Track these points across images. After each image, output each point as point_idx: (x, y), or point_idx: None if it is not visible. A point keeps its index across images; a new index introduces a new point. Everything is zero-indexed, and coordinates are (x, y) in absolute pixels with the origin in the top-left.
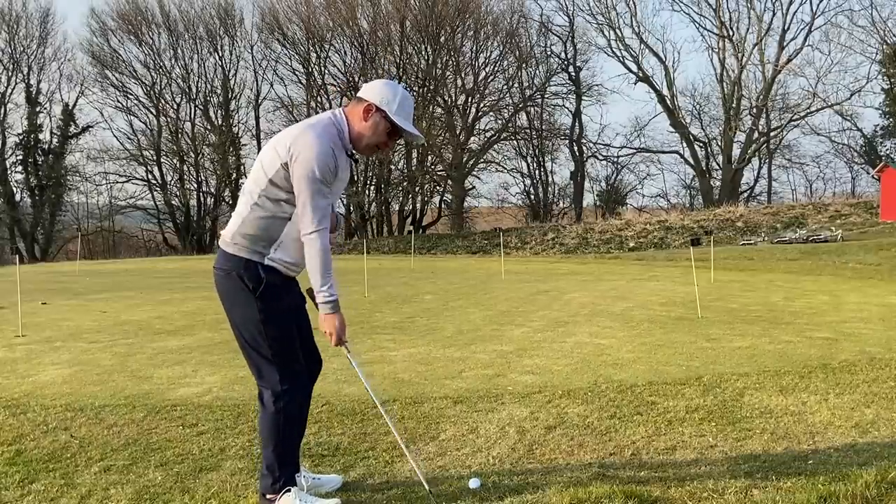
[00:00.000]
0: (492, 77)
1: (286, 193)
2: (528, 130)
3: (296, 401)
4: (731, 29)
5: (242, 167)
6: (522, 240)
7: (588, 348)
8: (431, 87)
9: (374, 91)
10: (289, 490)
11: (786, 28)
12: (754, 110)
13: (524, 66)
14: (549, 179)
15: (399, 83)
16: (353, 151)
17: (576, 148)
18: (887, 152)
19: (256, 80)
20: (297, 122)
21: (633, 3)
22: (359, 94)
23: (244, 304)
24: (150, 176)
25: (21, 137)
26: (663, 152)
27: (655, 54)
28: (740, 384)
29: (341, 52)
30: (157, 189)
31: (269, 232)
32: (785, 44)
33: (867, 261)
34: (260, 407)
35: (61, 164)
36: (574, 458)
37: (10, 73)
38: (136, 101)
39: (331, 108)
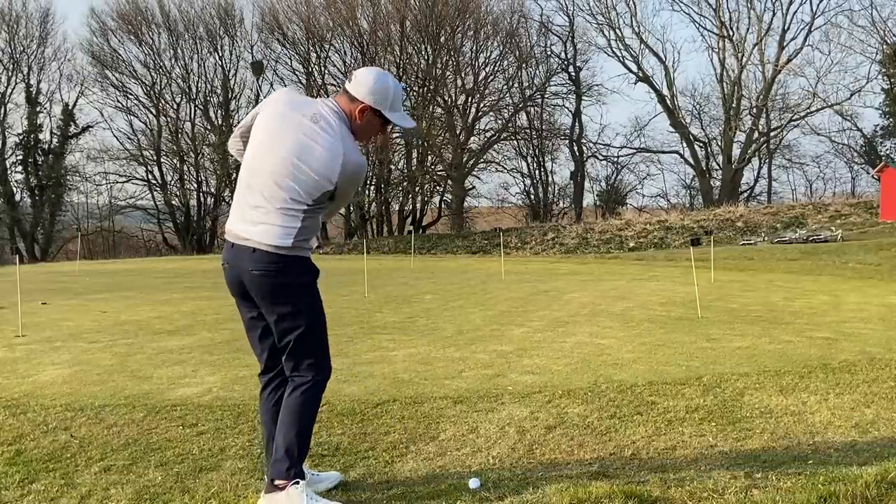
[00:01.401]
0: (492, 77)
1: (327, 200)
2: (528, 130)
3: (323, 392)
4: (731, 29)
5: None
6: (522, 240)
7: (588, 348)
8: (431, 87)
9: (366, 91)
10: (297, 482)
11: (786, 28)
12: (754, 110)
13: (524, 66)
14: (549, 179)
15: (390, 75)
16: None
17: (576, 148)
18: (887, 152)
19: (256, 80)
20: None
21: (633, 3)
22: (350, 91)
23: (301, 297)
24: (150, 176)
25: (21, 137)
26: (663, 152)
27: (655, 54)
28: (740, 384)
29: (341, 52)
30: (157, 189)
31: (315, 228)
32: (785, 44)
33: (867, 261)
34: (290, 394)
35: (61, 164)
36: (574, 458)
37: (10, 73)
38: (136, 101)
39: None
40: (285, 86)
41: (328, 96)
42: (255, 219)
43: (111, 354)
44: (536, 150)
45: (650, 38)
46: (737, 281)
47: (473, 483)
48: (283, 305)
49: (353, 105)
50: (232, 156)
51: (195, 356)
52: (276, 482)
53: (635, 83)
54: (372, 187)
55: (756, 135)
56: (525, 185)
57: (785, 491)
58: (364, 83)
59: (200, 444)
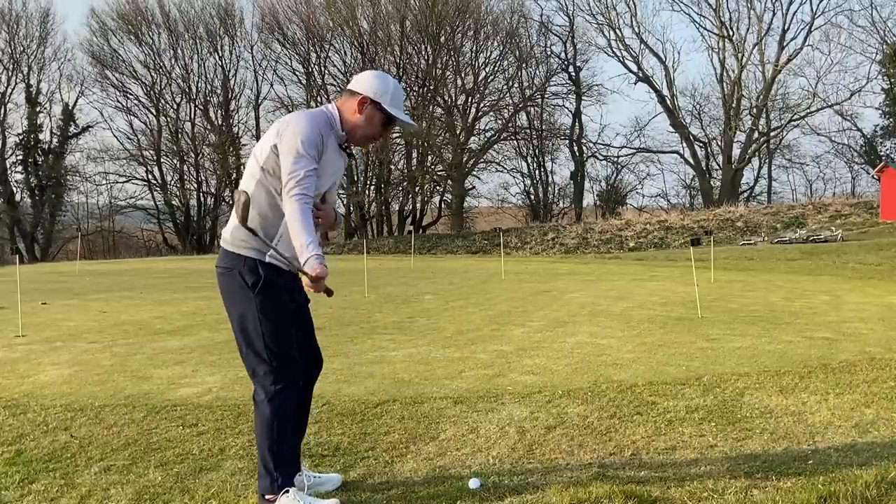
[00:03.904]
0: (492, 77)
1: (279, 182)
2: (528, 130)
3: (290, 401)
4: (731, 29)
5: (242, 167)
6: (522, 240)
7: (588, 348)
8: (431, 87)
9: (366, 84)
10: (287, 491)
11: (786, 28)
12: (754, 110)
13: (524, 66)
14: (549, 179)
15: (389, 76)
16: (348, 144)
17: (576, 148)
18: (887, 152)
19: (256, 80)
20: None
21: (633, 3)
22: (350, 87)
23: (242, 301)
24: (150, 176)
25: (21, 137)
26: (663, 152)
27: (655, 54)
28: (740, 384)
29: (341, 52)
30: (157, 189)
31: (266, 226)
32: (785, 44)
33: (867, 261)
34: (254, 407)
35: (61, 164)
36: (574, 458)
37: (10, 73)
38: (136, 101)
39: None
40: (285, 86)
41: (328, 97)
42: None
43: (111, 354)
44: (536, 150)
45: (650, 38)
46: (737, 281)
47: (473, 483)
48: (230, 307)
49: (353, 99)
50: (232, 157)
51: (195, 356)
52: (267, 497)
53: (635, 83)
54: (372, 187)
55: (756, 135)
56: (525, 185)
57: (785, 491)
58: (365, 78)
59: (200, 444)
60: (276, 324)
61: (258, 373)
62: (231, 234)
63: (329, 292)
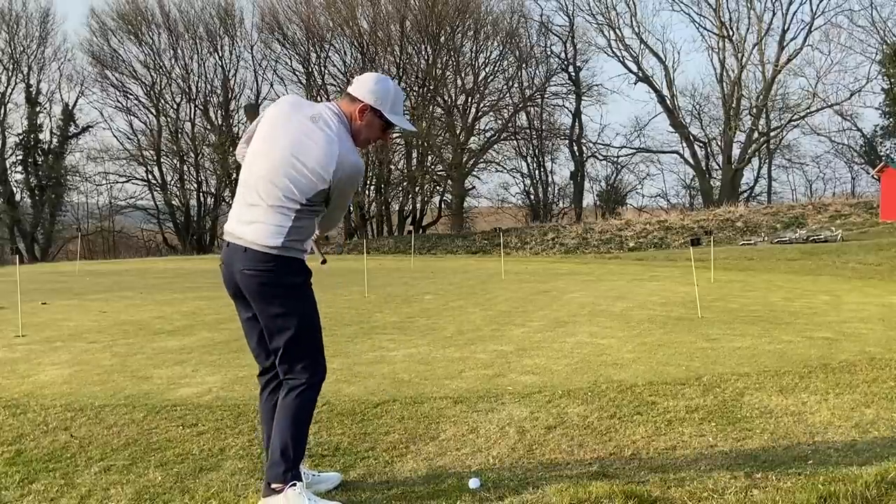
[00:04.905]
0: (492, 77)
1: (322, 202)
2: (528, 130)
3: (319, 392)
4: (731, 29)
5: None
6: (522, 240)
7: (588, 348)
8: (431, 87)
9: (365, 90)
10: (294, 484)
11: (786, 28)
12: (754, 110)
13: (524, 66)
14: (549, 179)
15: (391, 79)
16: None
17: (576, 148)
18: (887, 152)
19: (256, 80)
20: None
21: (633, 3)
22: (351, 93)
23: (291, 299)
24: (150, 176)
25: (21, 137)
26: (663, 152)
27: (655, 54)
28: (740, 384)
29: (341, 52)
30: (157, 189)
31: (309, 231)
32: (785, 44)
33: (867, 261)
34: (285, 397)
35: (61, 164)
36: (574, 458)
37: (10, 73)
38: (136, 101)
39: None
40: (285, 86)
41: (328, 97)
42: (250, 217)
43: (111, 354)
44: (536, 150)
45: (650, 38)
46: (737, 281)
47: (473, 483)
48: (274, 306)
49: (354, 105)
50: (232, 157)
51: (195, 356)
52: (274, 486)
53: (635, 83)
54: (372, 187)
55: (756, 135)
56: (525, 185)
57: (785, 491)
58: (365, 84)
59: (200, 444)
60: (317, 318)
61: (296, 367)
62: (281, 241)
63: (324, 261)
